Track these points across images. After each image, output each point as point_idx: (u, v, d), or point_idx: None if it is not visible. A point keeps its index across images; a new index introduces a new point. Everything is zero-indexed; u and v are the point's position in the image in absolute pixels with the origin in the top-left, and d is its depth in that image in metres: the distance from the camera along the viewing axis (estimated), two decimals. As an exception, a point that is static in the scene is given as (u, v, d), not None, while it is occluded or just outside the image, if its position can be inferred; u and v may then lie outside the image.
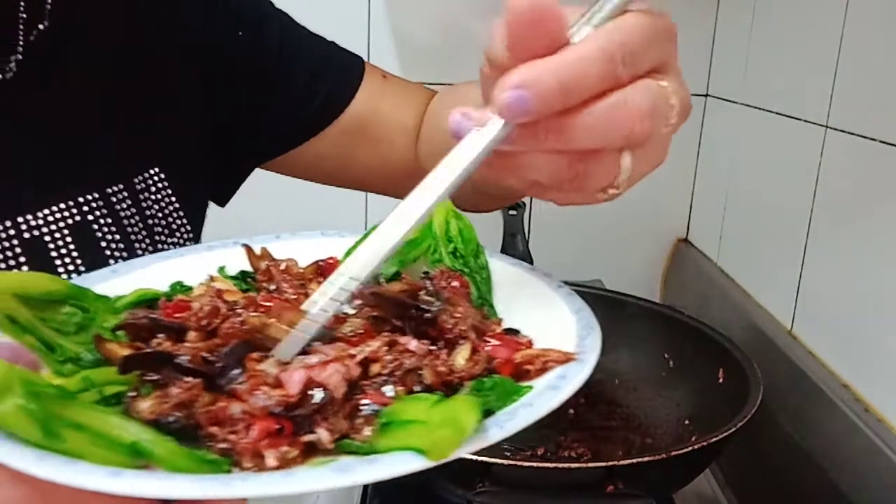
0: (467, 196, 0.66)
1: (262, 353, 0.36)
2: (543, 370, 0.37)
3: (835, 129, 0.83)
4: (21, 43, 0.56)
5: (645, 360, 0.91)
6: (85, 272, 0.55)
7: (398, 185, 0.71)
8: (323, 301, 0.37)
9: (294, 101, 0.69)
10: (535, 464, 0.70)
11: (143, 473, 0.30)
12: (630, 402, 0.91)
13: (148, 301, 0.43)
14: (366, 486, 0.82)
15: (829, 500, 0.76)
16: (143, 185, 0.61)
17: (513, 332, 0.43)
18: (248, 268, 0.49)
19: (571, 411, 0.90)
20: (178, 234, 0.64)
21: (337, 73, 0.71)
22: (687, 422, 0.84)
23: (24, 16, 0.56)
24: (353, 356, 0.36)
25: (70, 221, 0.56)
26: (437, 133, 0.68)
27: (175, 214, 0.64)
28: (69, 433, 0.30)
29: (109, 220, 0.58)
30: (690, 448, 0.66)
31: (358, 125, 0.71)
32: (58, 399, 0.31)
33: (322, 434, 0.33)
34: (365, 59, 0.73)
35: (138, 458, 0.31)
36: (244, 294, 0.43)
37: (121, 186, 0.60)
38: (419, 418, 0.32)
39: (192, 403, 0.34)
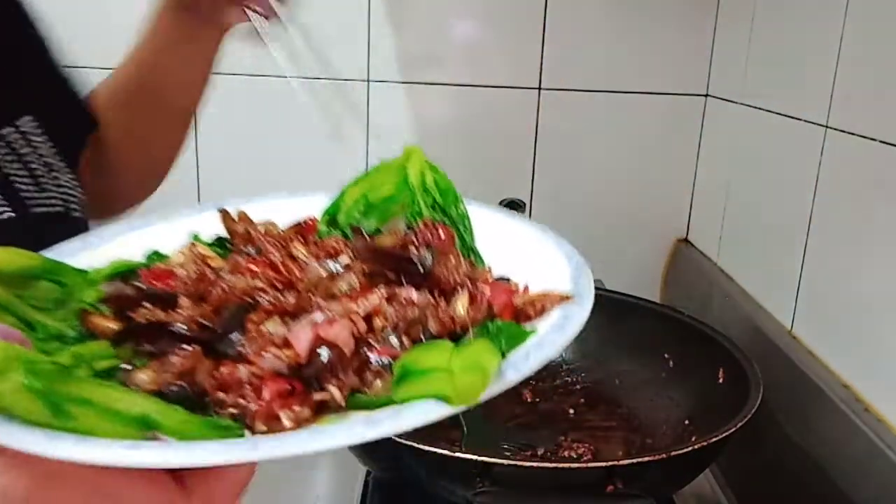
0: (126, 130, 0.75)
1: (262, 314, 0.35)
2: (543, 312, 0.37)
3: (835, 129, 0.83)
4: None
5: (645, 360, 0.91)
6: None
7: None
8: None
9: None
10: (535, 464, 0.70)
11: (164, 444, 0.29)
12: (630, 402, 0.91)
13: (124, 273, 0.42)
14: (365, 485, 0.82)
15: (829, 500, 0.76)
16: (19, 135, 0.62)
17: (503, 280, 0.42)
18: (222, 233, 0.47)
19: (571, 411, 0.90)
20: (56, 170, 0.65)
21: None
22: (687, 422, 0.84)
23: None
24: (357, 312, 0.35)
25: None
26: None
27: (55, 157, 0.65)
28: (77, 410, 0.29)
29: None
30: (690, 448, 0.66)
31: None
32: (59, 375, 0.30)
33: (334, 391, 0.33)
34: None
35: (148, 429, 0.30)
36: (226, 260, 0.42)
37: None
38: (440, 366, 0.32)
39: (195, 371, 0.33)
